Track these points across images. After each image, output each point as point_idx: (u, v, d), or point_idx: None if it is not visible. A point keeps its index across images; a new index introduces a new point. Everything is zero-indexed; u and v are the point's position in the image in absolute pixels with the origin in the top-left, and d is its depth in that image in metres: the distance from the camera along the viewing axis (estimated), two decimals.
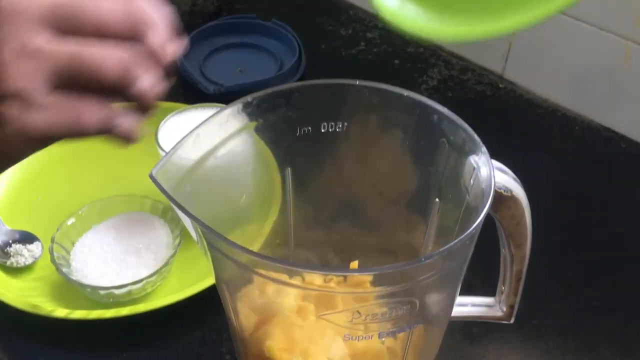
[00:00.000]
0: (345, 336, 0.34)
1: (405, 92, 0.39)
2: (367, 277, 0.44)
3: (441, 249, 0.30)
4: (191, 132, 0.35)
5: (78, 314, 0.51)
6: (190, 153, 0.36)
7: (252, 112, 0.39)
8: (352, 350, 0.39)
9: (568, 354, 0.53)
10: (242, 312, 0.39)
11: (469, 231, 0.31)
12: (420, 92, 0.80)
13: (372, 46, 0.87)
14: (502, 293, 0.44)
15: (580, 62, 0.74)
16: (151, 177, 0.33)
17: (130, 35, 0.30)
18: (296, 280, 0.34)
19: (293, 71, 0.78)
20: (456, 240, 0.30)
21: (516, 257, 0.40)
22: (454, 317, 0.44)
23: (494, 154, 0.72)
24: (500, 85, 0.81)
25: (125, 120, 0.32)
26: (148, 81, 0.31)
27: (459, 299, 0.45)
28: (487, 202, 0.33)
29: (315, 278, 0.46)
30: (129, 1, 0.31)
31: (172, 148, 0.34)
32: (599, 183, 0.69)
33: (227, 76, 0.78)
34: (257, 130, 0.40)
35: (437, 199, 0.41)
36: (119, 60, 0.30)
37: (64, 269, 0.53)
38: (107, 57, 0.29)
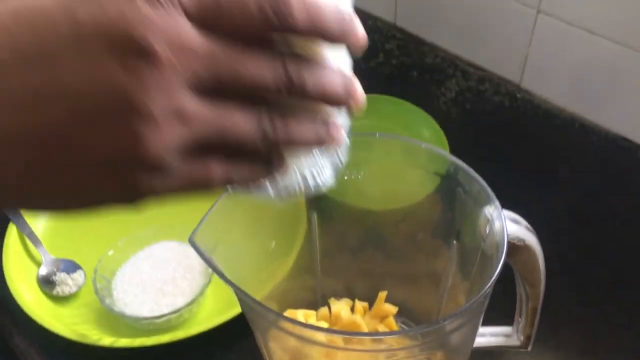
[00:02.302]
0: None
1: (424, 145, 0.42)
2: (392, 310, 0.47)
3: (454, 313, 0.32)
4: (223, 195, 0.38)
5: (122, 342, 0.55)
6: (224, 211, 0.39)
7: None
8: None
9: None
10: (274, 350, 0.42)
11: (483, 291, 0.33)
12: (439, 107, 0.82)
13: (391, 58, 0.89)
14: (519, 324, 0.46)
15: (597, 72, 0.75)
16: (190, 242, 0.36)
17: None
18: (318, 336, 0.37)
19: None
20: (472, 301, 0.33)
21: (531, 296, 0.43)
22: (475, 347, 0.46)
23: (513, 165, 0.75)
24: (518, 95, 0.82)
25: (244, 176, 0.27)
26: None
27: (479, 330, 0.48)
28: (501, 257, 0.35)
29: (342, 310, 0.49)
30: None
31: (207, 212, 0.37)
32: (615, 193, 0.71)
33: None
34: None
35: (455, 241, 0.44)
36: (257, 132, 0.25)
37: (107, 300, 0.57)
38: (250, 129, 0.25)
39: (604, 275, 0.63)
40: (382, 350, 0.34)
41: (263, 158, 0.27)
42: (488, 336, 0.47)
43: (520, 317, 0.45)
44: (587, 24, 0.73)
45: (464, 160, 0.42)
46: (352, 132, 0.44)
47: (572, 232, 0.67)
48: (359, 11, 0.94)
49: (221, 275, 0.35)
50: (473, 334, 0.40)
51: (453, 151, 0.44)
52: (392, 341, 0.34)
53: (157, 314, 0.56)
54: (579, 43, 0.75)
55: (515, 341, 0.47)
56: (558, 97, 0.80)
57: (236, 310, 0.57)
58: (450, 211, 0.43)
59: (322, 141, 0.28)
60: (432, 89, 0.84)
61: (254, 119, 0.25)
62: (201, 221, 0.37)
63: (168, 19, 0.22)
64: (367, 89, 0.87)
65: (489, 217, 0.39)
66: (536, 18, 0.77)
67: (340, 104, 0.28)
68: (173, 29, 0.22)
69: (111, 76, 0.22)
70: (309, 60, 0.26)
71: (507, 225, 0.37)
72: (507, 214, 0.39)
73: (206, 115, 0.24)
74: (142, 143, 0.22)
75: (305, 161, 0.29)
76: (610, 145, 0.76)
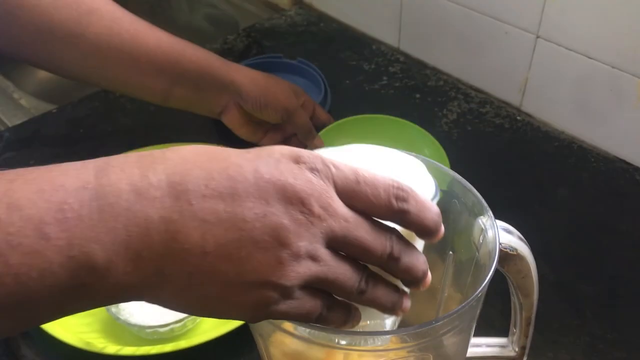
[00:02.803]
0: None
1: (420, 157, 0.43)
2: None
3: (448, 313, 0.34)
4: None
5: (127, 350, 0.56)
6: None
7: None
8: None
9: None
10: (275, 355, 0.43)
11: (475, 294, 0.35)
12: (441, 127, 0.84)
13: (394, 80, 0.92)
14: (514, 334, 0.47)
15: (596, 95, 0.77)
16: None
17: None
18: (317, 338, 0.38)
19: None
20: (464, 304, 0.34)
21: (524, 305, 0.44)
22: (471, 358, 0.47)
23: (513, 186, 0.76)
24: (518, 118, 0.84)
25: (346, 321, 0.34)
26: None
27: (475, 340, 0.49)
28: (492, 264, 0.37)
29: None
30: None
31: None
32: (614, 214, 0.72)
33: None
34: None
35: (450, 252, 0.45)
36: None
37: (113, 309, 0.59)
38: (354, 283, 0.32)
39: (599, 292, 0.64)
40: (379, 350, 0.35)
41: (346, 308, 0.34)
42: (484, 347, 0.48)
43: (515, 327, 0.46)
44: (585, 49, 0.75)
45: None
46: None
47: (569, 250, 0.68)
48: (364, 35, 0.98)
49: None
50: (466, 340, 0.41)
51: (453, 170, 0.45)
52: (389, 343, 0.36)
53: (161, 323, 0.57)
54: (577, 67, 0.77)
55: (510, 352, 0.48)
56: (557, 119, 0.82)
57: (238, 321, 0.58)
58: (445, 223, 0.44)
59: (395, 310, 0.35)
60: (434, 111, 0.86)
61: (357, 275, 0.32)
62: None
63: (323, 186, 0.30)
64: (371, 110, 0.89)
65: (483, 226, 0.40)
66: (535, 43, 0.79)
67: (415, 284, 0.35)
68: (325, 195, 0.30)
69: (277, 217, 0.29)
70: (407, 243, 0.34)
71: (500, 233, 0.39)
72: (500, 224, 0.40)
73: (329, 261, 0.31)
74: (283, 271, 0.29)
75: (372, 317, 0.37)
76: (608, 167, 0.77)
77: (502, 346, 0.48)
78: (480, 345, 0.48)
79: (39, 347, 0.61)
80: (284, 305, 0.31)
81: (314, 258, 0.30)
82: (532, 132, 0.83)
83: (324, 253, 0.30)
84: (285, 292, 0.30)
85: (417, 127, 0.77)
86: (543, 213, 0.72)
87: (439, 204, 0.45)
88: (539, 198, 0.74)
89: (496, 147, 0.81)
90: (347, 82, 0.92)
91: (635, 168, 0.76)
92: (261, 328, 0.42)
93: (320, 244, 0.30)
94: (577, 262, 0.67)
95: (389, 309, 0.34)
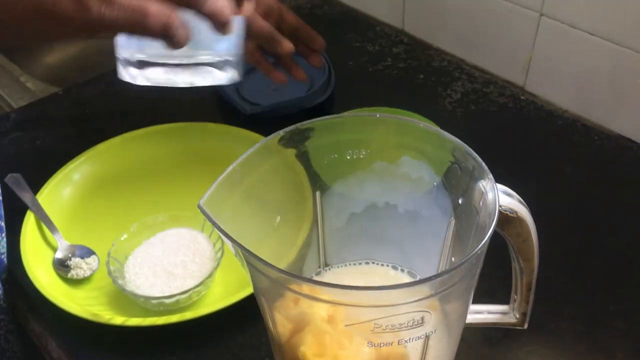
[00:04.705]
0: (369, 343, 0.39)
1: (422, 123, 0.44)
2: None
3: (448, 269, 0.34)
4: (232, 164, 0.41)
5: (133, 321, 0.57)
6: (232, 182, 0.41)
7: (285, 144, 0.44)
8: (378, 354, 0.44)
9: (582, 356, 0.56)
10: (279, 320, 0.44)
11: (475, 251, 0.35)
12: (445, 107, 0.84)
13: (398, 61, 0.92)
14: (515, 301, 0.48)
15: (600, 74, 0.77)
16: (199, 207, 0.38)
17: None
18: (323, 295, 0.39)
19: (323, 88, 0.83)
20: (463, 260, 0.35)
21: (525, 270, 0.44)
22: (472, 323, 0.48)
23: (517, 164, 0.76)
24: (522, 97, 0.84)
25: (182, 31, 0.41)
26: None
27: (476, 307, 0.49)
28: (492, 223, 0.37)
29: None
30: None
31: (216, 180, 0.40)
32: (618, 191, 0.72)
33: (262, 96, 0.83)
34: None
35: (452, 218, 0.45)
36: None
37: (119, 281, 0.60)
38: None
39: (601, 265, 0.64)
40: (380, 306, 0.36)
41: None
42: (485, 313, 0.49)
43: (515, 294, 0.47)
44: (589, 26, 0.75)
45: None
46: (354, 113, 0.46)
47: (572, 224, 0.68)
48: (368, 17, 0.99)
49: (228, 238, 0.37)
50: (465, 304, 0.41)
51: None
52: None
53: (167, 294, 0.58)
54: (581, 45, 0.77)
55: (511, 318, 0.48)
56: (561, 98, 0.82)
57: (243, 293, 0.59)
58: (447, 189, 0.45)
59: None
60: (438, 91, 0.86)
61: None
62: (210, 188, 0.39)
63: None
64: (375, 91, 0.88)
65: (483, 189, 0.40)
66: (539, 21, 0.79)
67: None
68: None
69: None
70: None
71: (499, 196, 0.39)
72: (501, 187, 0.40)
73: None
74: None
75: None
76: (612, 145, 0.77)
77: (504, 313, 0.49)
78: (481, 312, 0.49)
79: (47, 320, 0.62)
80: (111, 13, 0.39)
81: None
82: (535, 111, 0.83)
83: None
84: None
85: (413, 114, 0.77)
86: (547, 190, 0.72)
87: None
88: (542, 176, 0.74)
89: (500, 127, 0.81)
90: (350, 63, 0.92)
91: None
92: (264, 291, 0.42)
93: None
94: (580, 237, 0.67)
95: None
